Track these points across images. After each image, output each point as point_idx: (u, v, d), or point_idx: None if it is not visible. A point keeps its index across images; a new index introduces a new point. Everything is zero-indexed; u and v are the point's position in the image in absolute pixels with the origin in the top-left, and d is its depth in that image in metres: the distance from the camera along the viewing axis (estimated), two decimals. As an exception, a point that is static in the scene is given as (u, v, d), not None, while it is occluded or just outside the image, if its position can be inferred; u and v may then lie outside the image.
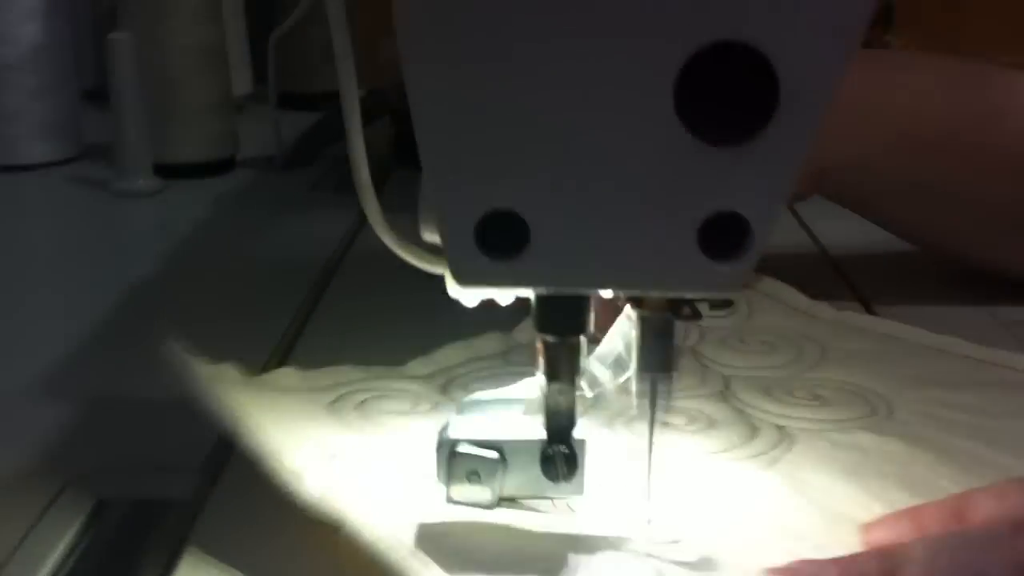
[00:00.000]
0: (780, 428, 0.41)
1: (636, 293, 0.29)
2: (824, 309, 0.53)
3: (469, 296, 0.30)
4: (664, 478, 0.34)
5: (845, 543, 0.32)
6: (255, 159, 0.86)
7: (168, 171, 0.79)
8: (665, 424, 0.38)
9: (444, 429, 0.33)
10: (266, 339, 0.51)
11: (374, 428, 0.39)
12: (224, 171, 0.83)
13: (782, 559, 0.30)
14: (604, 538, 0.32)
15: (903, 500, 0.34)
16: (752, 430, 0.40)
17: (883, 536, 0.31)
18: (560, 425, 0.32)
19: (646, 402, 0.31)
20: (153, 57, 0.77)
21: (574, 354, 0.31)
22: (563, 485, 0.32)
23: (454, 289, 0.30)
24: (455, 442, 0.32)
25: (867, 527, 0.32)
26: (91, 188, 0.79)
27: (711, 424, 0.41)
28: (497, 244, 0.27)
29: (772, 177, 0.26)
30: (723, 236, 0.27)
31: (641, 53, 0.25)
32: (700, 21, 0.25)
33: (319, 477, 0.33)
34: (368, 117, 0.88)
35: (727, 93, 0.25)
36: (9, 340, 0.53)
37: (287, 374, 0.43)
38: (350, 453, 0.36)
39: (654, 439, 0.32)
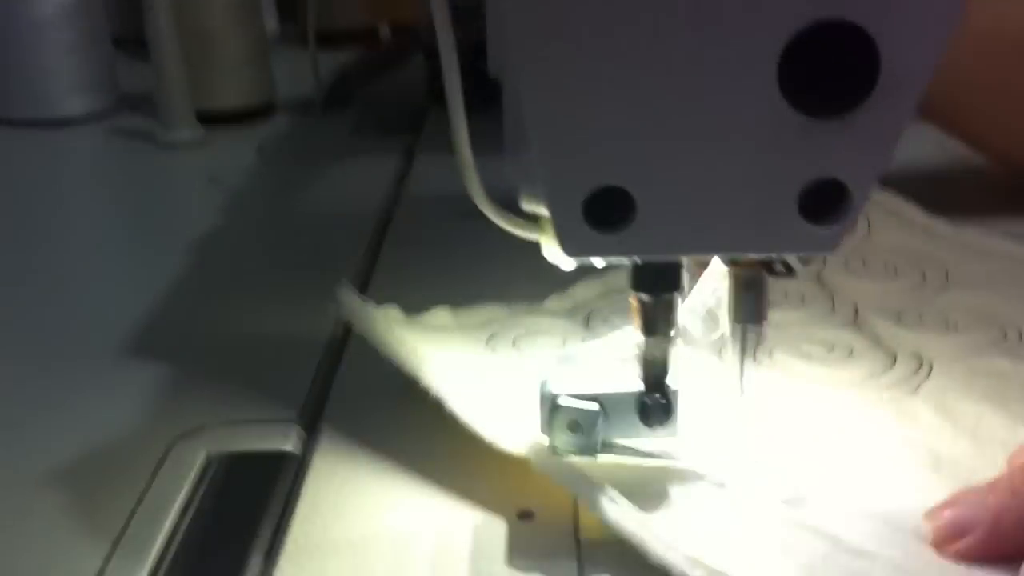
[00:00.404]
0: (916, 355, 0.42)
1: (737, 256, 0.31)
2: (942, 226, 0.54)
3: (569, 262, 0.31)
4: (814, 410, 0.37)
5: (998, 467, 0.34)
6: (292, 102, 0.87)
7: (208, 118, 0.80)
8: (807, 356, 0.42)
9: (544, 383, 0.34)
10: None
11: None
12: (263, 116, 0.84)
13: (940, 489, 0.33)
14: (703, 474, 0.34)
15: None
16: (890, 357, 0.42)
17: (951, 519, 0.32)
18: (656, 376, 0.33)
19: (738, 351, 0.33)
20: (188, 7, 0.78)
21: (669, 310, 0.32)
22: (658, 430, 0.34)
23: (552, 255, 0.32)
24: (556, 395, 0.34)
25: (1013, 452, 0.34)
26: (134, 140, 0.80)
27: (850, 353, 0.42)
28: (604, 217, 0.28)
29: (872, 147, 0.28)
30: (823, 201, 0.28)
31: (746, 32, 0.26)
32: (804, 1, 0.26)
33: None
34: (400, 56, 0.89)
35: (828, 67, 0.27)
36: (89, 301, 0.55)
37: (440, 314, 0.45)
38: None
39: (745, 383, 0.33)
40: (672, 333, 0.33)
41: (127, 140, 0.81)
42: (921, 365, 0.42)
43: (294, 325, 0.48)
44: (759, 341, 0.33)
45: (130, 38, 0.93)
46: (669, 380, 0.34)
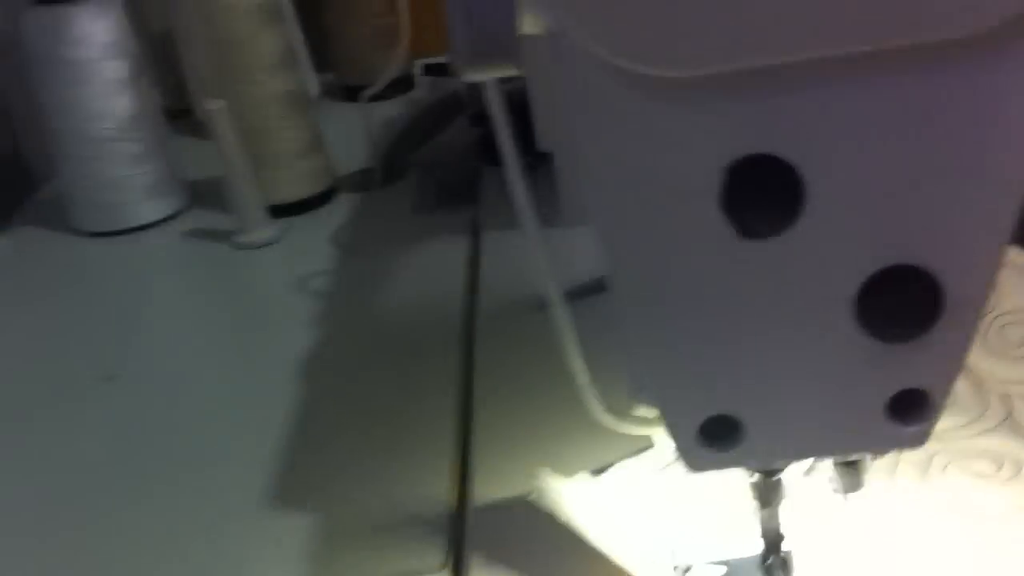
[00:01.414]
0: None
1: (835, 456, 0.35)
2: None
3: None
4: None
5: None
6: (351, 176, 0.91)
7: (275, 210, 0.84)
8: (978, 474, 0.44)
9: (675, 552, 0.39)
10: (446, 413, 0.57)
11: None
12: (327, 201, 0.88)
13: None
14: None
15: None
16: None
17: None
18: (773, 539, 0.38)
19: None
20: (246, 109, 0.82)
21: (778, 486, 0.37)
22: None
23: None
24: (688, 566, 0.38)
25: None
26: (211, 240, 0.84)
27: (1019, 470, 0.44)
28: (717, 439, 0.33)
29: (946, 359, 0.31)
30: (908, 405, 0.32)
31: (824, 284, 0.30)
32: (876, 250, 0.30)
33: None
34: (446, 120, 0.93)
35: (897, 299, 0.30)
36: (216, 447, 0.58)
37: None
38: None
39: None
40: (782, 501, 0.37)
41: (203, 242, 0.85)
42: None
43: (416, 464, 0.53)
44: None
45: (175, 108, 0.97)
46: (784, 543, 0.38)
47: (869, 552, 0.38)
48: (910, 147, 0.28)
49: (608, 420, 0.37)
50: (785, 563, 0.38)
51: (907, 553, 0.41)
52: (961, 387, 0.50)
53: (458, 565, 0.45)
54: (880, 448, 0.34)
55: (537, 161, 0.69)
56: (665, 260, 0.30)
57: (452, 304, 0.68)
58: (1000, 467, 0.45)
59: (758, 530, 0.38)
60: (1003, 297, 0.54)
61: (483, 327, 0.65)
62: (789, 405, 0.32)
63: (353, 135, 0.91)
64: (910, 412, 0.32)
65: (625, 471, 0.47)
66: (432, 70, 1.14)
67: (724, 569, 0.38)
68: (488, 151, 0.86)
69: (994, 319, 0.53)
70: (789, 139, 0.28)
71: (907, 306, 0.30)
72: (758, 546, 0.38)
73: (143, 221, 0.89)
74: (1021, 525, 0.42)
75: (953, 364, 0.32)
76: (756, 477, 0.36)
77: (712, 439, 0.33)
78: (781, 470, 0.36)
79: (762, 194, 0.29)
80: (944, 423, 0.46)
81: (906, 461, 0.46)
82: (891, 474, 0.45)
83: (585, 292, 0.55)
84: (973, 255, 0.30)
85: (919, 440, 0.33)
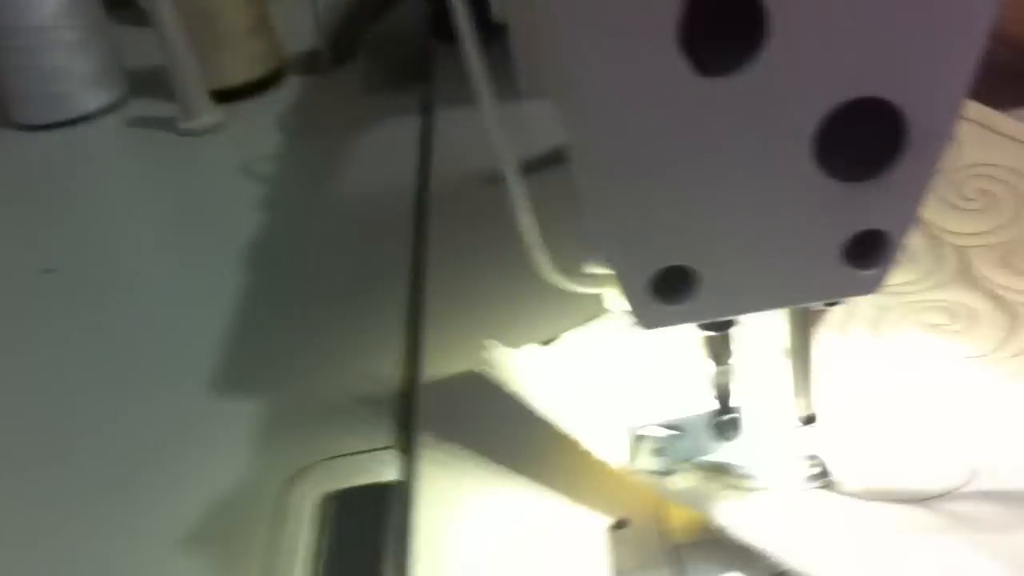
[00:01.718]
0: None
1: (791, 307, 0.33)
2: None
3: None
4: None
5: None
6: (300, 59, 0.87)
7: (220, 96, 0.81)
8: (932, 326, 0.43)
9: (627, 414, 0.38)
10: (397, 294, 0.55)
11: None
12: (275, 83, 0.85)
13: None
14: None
15: None
16: (1012, 316, 0.43)
17: None
18: (724, 395, 0.37)
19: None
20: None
21: (728, 342, 0.35)
22: (731, 442, 0.37)
23: (616, 304, 0.35)
24: (641, 426, 0.37)
25: None
26: (153, 129, 0.81)
27: (974, 319, 0.44)
28: (670, 292, 0.31)
29: (906, 199, 0.30)
30: (865, 248, 0.30)
31: (783, 118, 0.28)
32: (836, 83, 0.28)
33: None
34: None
35: (857, 136, 0.29)
36: (159, 323, 0.57)
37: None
38: None
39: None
40: (733, 357, 0.36)
41: (146, 131, 0.82)
42: None
43: (368, 347, 0.51)
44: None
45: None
46: (735, 399, 0.37)
47: (819, 406, 0.37)
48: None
49: (558, 279, 0.35)
50: (735, 421, 0.37)
51: (858, 404, 0.41)
52: (916, 241, 0.49)
53: (408, 442, 0.44)
54: (836, 295, 0.32)
55: (492, 34, 0.66)
56: (622, 105, 0.28)
57: (404, 184, 0.66)
58: (954, 318, 0.44)
59: (710, 389, 0.37)
60: (960, 151, 0.53)
61: (436, 205, 0.63)
62: (744, 253, 0.30)
63: (300, 15, 0.87)
64: (868, 255, 0.31)
65: (576, 339, 0.45)
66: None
67: (675, 432, 0.37)
68: (440, 27, 0.83)
69: (950, 174, 0.52)
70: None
71: (869, 142, 0.29)
72: (710, 405, 0.37)
73: (83, 111, 0.85)
74: (973, 373, 0.42)
75: (913, 203, 0.30)
76: (708, 333, 0.35)
77: (665, 293, 0.31)
78: (732, 325, 0.35)
79: (722, 27, 0.27)
80: (898, 277, 0.46)
81: (858, 316, 0.45)
82: (843, 329, 0.44)
83: (540, 165, 0.53)
84: (937, 87, 0.28)
85: (875, 284, 0.31)
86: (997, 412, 0.39)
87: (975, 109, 0.55)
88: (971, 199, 0.50)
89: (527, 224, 0.34)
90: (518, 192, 0.34)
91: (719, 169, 0.29)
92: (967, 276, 0.46)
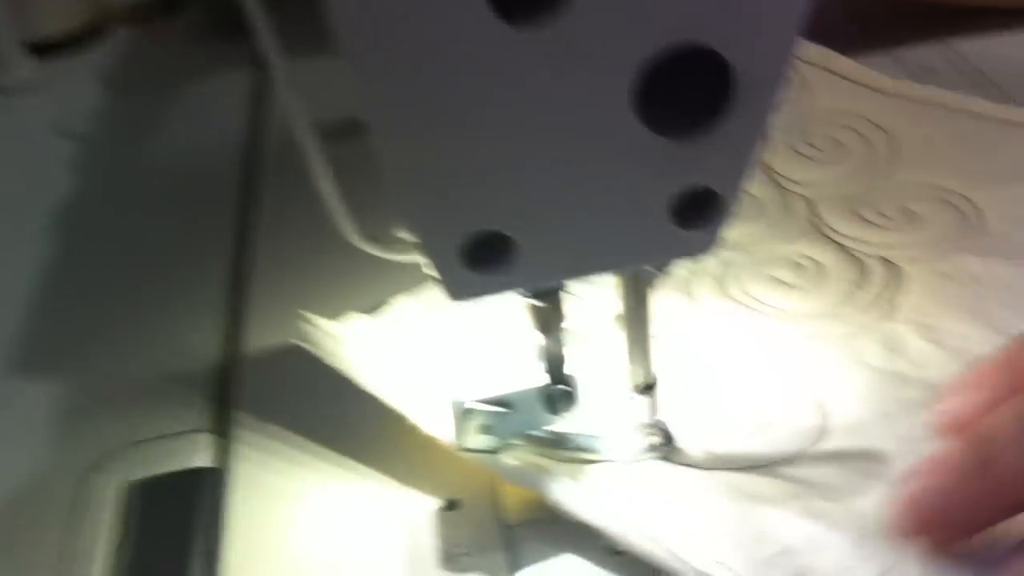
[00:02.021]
0: (885, 261, 0.42)
1: (618, 271, 0.31)
2: (877, 78, 0.52)
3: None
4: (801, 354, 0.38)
5: None
6: (124, 7, 0.81)
7: (35, 49, 0.75)
8: (777, 282, 0.42)
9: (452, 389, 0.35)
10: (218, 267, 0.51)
11: None
12: (96, 37, 0.79)
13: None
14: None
15: None
16: (859, 268, 0.42)
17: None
18: (556, 368, 0.34)
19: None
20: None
21: (558, 309, 0.33)
22: (564, 416, 0.35)
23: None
24: (467, 402, 0.34)
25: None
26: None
27: (819, 271, 0.42)
28: (484, 260, 0.28)
29: (735, 154, 0.27)
30: (694, 207, 0.28)
31: (599, 64, 0.25)
32: (655, 28, 0.25)
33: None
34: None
35: (682, 87, 0.26)
36: None
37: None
38: None
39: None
40: (564, 328, 0.33)
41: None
42: (892, 274, 0.41)
43: (183, 320, 0.47)
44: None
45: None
46: (567, 370, 0.34)
47: (662, 372, 0.35)
48: None
49: (366, 244, 0.32)
50: (569, 393, 0.34)
51: (702, 368, 0.39)
52: (763, 192, 0.47)
53: (223, 424, 0.40)
54: (666, 256, 0.30)
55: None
56: (415, 54, 0.25)
57: (234, 143, 0.62)
58: (801, 273, 0.43)
59: (540, 360, 0.34)
60: (809, 97, 0.52)
61: (268, 166, 0.59)
62: (563, 215, 0.28)
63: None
64: (698, 215, 0.29)
65: (403, 307, 0.42)
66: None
67: (504, 407, 0.34)
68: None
69: (797, 121, 0.51)
70: None
71: (694, 94, 0.26)
72: (540, 378, 0.35)
73: None
74: (822, 326, 0.40)
75: (743, 160, 0.28)
76: (533, 302, 0.32)
77: (477, 261, 0.28)
78: (560, 290, 0.32)
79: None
80: (745, 230, 0.44)
81: (703, 275, 0.43)
82: (689, 290, 0.43)
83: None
84: (764, 35, 0.26)
85: (707, 246, 0.29)
86: (842, 370, 0.38)
87: (821, 54, 0.54)
88: (820, 148, 0.49)
89: (326, 186, 0.31)
90: (314, 153, 0.30)
91: (531, 125, 0.26)
92: (816, 228, 0.45)
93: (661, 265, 0.31)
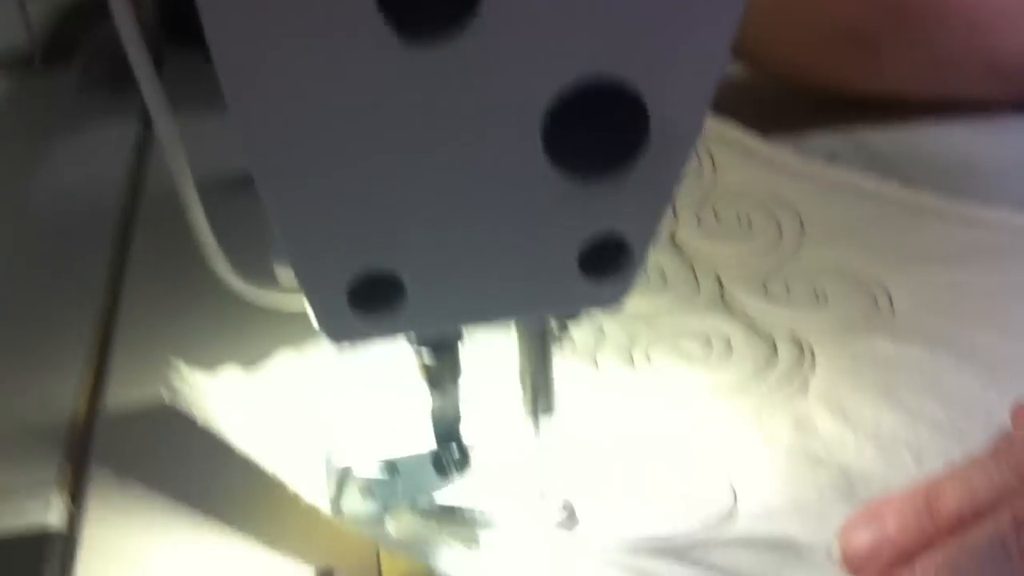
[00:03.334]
0: (795, 339, 0.41)
1: (517, 319, 0.29)
2: (786, 157, 0.52)
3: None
4: (706, 427, 0.37)
5: (911, 476, 0.33)
6: (5, 54, 0.78)
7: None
8: (686, 355, 0.40)
9: (330, 452, 0.32)
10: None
11: None
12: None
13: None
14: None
15: (942, 417, 0.36)
16: (769, 345, 0.41)
17: (865, 541, 0.30)
18: (447, 428, 0.32)
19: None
20: None
21: (454, 362, 0.31)
22: (456, 481, 0.33)
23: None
24: (347, 466, 0.31)
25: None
26: None
27: (727, 346, 0.41)
28: (370, 302, 0.26)
29: (649, 201, 0.26)
30: (603, 258, 0.26)
31: (505, 96, 0.24)
32: (570, 56, 0.23)
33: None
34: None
35: (595, 128, 0.25)
36: None
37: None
38: None
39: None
40: (459, 383, 0.31)
41: None
42: (802, 352, 0.40)
43: (46, 367, 0.44)
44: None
45: None
46: (463, 431, 0.32)
47: (567, 443, 0.32)
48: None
49: (241, 285, 0.29)
50: (463, 457, 0.32)
51: (609, 442, 0.37)
52: (669, 264, 0.46)
53: (77, 479, 0.37)
54: (571, 308, 0.28)
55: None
56: (310, 81, 0.23)
57: (112, 194, 0.59)
58: (709, 347, 0.41)
59: (430, 419, 0.32)
60: (719, 174, 0.51)
61: (145, 217, 0.56)
62: (460, 256, 0.26)
63: (4, 5, 0.77)
64: (607, 264, 0.27)
65: (284, 363, 0.39)
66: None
67: (389, 472, 0.32)
68: (173, 24, 0.75)
69: (706, 196, 0.50)
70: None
71: (608, 132, 0.25)
72: (431, 439, 0.32)
73: None
74: (730, 403, 0.39)
75: (656, 207, 0.26)
76: (426, 356, 0.30)
77: (364, 302, 0.26)
78: (455, 343, 0.30)
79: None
80: (652, 302, 0.43)
81: (609, 343, 0.41)
82: (594, 358, 0.41)
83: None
84: (684, 74, 0.24)
85: (616, 298, 0.27)
86: (752, 449, 0.37)
87: (735, 133, 0.54)
88: (726, 223, 0.48)
89: (202, 227, 0.28)
90: (190, 194, 0.28)
91: (428, 159, 0.24)
92: (723, 302, 0.44)
93: (567, 316, 0.29)
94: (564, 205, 0.25)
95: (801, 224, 0.48)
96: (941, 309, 0.42)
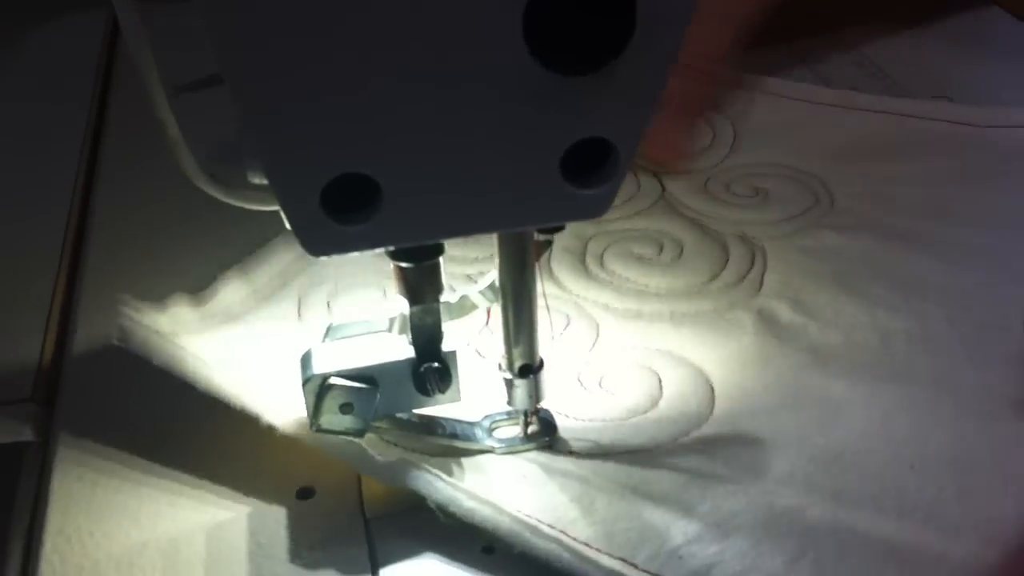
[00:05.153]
0: (744, 239, 0.41)
1: (500, 231, 0.27)
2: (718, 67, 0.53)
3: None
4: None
5: (874, 352, 0.34)
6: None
7: None
8: (640, 260, 0.40)
9: (307, 361, 0.31)
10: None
11: None
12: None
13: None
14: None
15: (898, 300, 0.37)
16: (720, 247, 0.41)
17: None
18: (428, 343, 0.31)
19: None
20: None
21: (433, 275, 0.29)
22: (439, 396, 0.32)
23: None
24: (325, 376, 0.30)
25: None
26: None
27: (680, 251, 0.41)
28: (347, 208, 0.24)
29: (635, 99, 0.24)
30: (587, 162, 0.25)
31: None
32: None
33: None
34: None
35: (579, 20, 0.23)
36: None
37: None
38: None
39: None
40: (439, 298, 0.30)
41: None
42: (753, 253, 0.41)
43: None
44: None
45: None
46: (443, 345, 0.31)
47: (541, 351, 0.32)
48: None
49: (208, 185, 0.28)
50: (443, 371, 0.31)
51: (573, 343, 0.37)
52: None
53: (49, 397, 0.37)
54: (552, 219, 0.27)
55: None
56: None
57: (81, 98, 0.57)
58: (662, 250, 0.42)
59: (409, 332, 0.31)
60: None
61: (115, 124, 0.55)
62: (439, 160, 0.24)
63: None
64: (591, 169, 0.25)
65: (230, 292, 0.39)
66: None
67: (370, 384, 0.31)
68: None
69: None
70: None
71: (591, 26, 0.23)
72: (410, 352, 0.31)
73: None
74: (692, 304, 0.39)
75: (642, 105, 0.25)
76: (402, 264, 0.29)
77: (341, 209, 0.24)
78: (437, 254, 0.29)
79: None
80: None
81: (561, 247, 0.41)
82: (545, 263, 0.40)
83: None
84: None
85: (600, 206, 0.26)
86: (720, 346, 0.37)
87: None
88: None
89: (169, 121, 0.27)
90: (155, 85, 0.26)
91: (406, 52, 0.23)
92: (669, 204, 0.44)
93: (549, 229, 0.28)
94: (547, 105, 0.24)
95: (733, 128, 0.49)
96: (881, 200, 0.43)
